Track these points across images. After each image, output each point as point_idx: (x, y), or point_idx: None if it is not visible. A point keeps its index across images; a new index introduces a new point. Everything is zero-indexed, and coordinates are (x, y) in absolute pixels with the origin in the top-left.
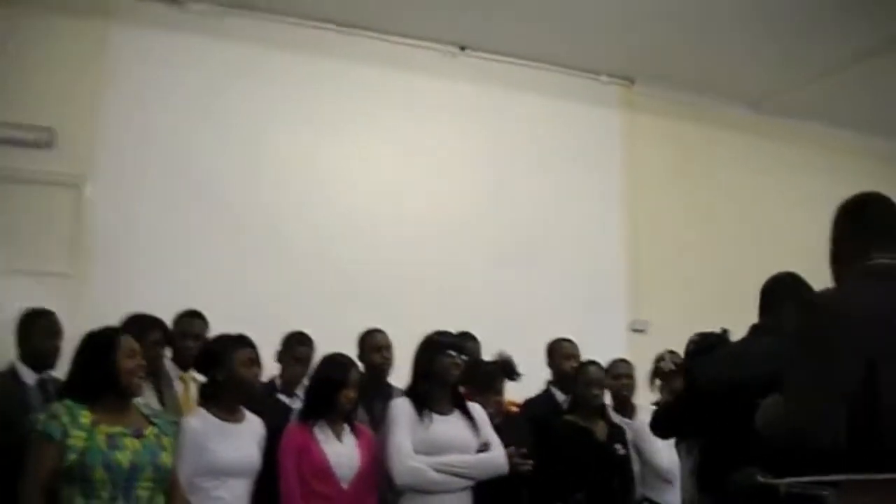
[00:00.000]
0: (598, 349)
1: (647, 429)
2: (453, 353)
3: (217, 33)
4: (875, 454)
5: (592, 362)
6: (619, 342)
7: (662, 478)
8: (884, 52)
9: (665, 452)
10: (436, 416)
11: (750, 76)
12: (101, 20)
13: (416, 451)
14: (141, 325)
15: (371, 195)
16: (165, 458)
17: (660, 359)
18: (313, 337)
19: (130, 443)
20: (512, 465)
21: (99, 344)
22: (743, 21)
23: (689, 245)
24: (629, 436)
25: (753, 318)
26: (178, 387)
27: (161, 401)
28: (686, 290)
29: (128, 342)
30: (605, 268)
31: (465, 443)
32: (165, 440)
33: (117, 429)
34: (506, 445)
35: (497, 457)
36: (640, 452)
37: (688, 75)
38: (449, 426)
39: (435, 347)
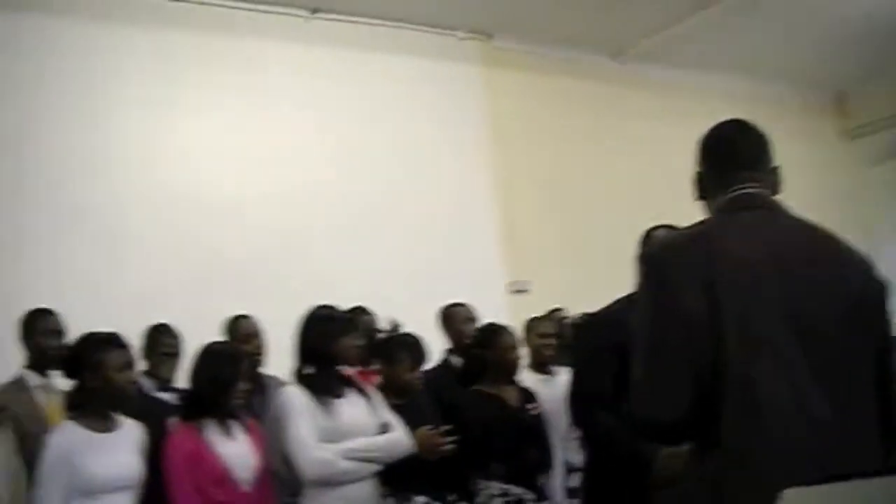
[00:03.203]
0: (478, 313)
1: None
2: (353, 331)
3: (48, 10)
4: (721, 427)
5: (502, 326)
6: (500, 305)
7: None
8: None
9: None
10: (334, 400)
11: (607, 25)
12: None
13: (320, 440)
14: None
15: (226, 170)
16: None
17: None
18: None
19: None
20: (431, 446)
21: None
22: None
23: (563, 199)
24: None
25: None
26: (41, 396)
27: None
28: (564, 245)
29: None
30: (478, 228)
31: (367, 425)
32: None
33: None
34: (412, 426)
35: (403, 437)
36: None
37: (545, 28)
38: (350, 409)
39: (332, 326)
